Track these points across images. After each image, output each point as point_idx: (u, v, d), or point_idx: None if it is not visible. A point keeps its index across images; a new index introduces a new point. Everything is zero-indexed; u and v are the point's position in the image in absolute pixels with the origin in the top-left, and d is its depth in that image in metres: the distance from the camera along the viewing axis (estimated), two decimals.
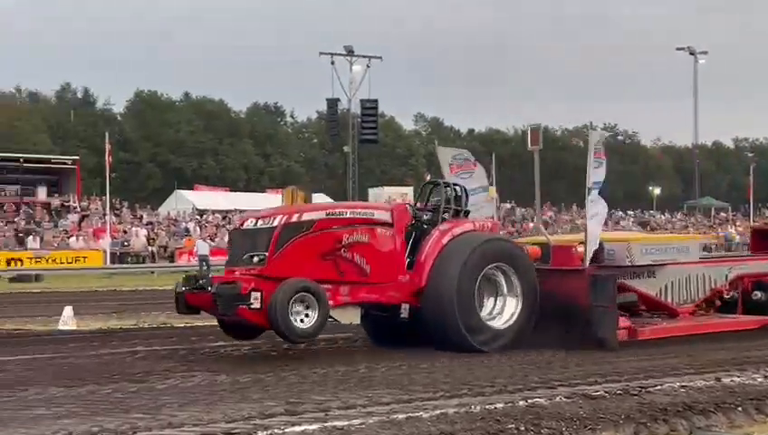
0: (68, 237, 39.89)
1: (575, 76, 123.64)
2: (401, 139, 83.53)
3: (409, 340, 11.40)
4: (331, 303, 10.56)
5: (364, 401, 8.04)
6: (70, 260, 37.81)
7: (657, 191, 73.57)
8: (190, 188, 57.06)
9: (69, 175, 45.46)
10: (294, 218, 10.76)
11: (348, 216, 11.08)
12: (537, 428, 6.91)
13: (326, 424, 7.06)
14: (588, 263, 11.87)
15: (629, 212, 63.17)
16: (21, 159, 44.94)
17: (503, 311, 11.54)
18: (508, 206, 53.81)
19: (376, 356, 10.93)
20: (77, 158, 48.63)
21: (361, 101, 42.32)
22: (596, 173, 12.01)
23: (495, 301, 11.60)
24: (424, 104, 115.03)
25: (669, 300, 12.74)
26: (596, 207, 12.13)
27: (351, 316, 11.52)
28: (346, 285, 10.86)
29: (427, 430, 6.84)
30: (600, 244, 12.11)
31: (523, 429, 6.87)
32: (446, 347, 10.95)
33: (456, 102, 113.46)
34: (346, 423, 7.08)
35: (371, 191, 59.35)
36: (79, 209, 43.89)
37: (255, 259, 10.56)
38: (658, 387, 8.68)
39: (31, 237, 38.82)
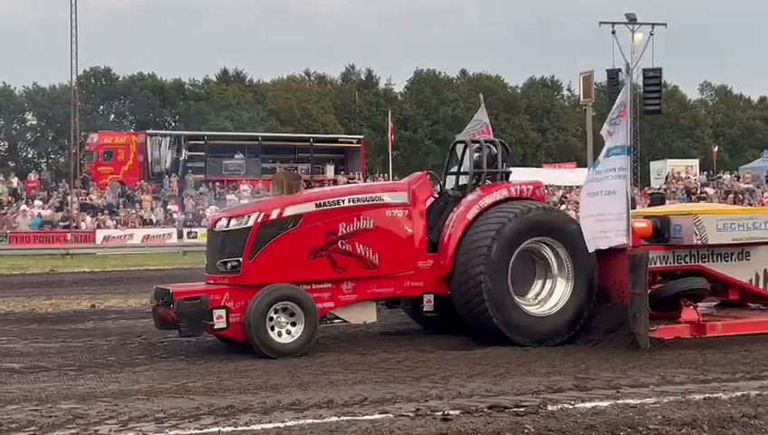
0: None
1: None
2: (685, 109, 79.99)
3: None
4: (331, 304, 9.69)
5: (656, 380, 7.81)
6: None
7: None
8: None
9: (354, 153, 47.64)
10: (274, 215, 9.55)
11: (346, 204, 9.79)
12: None
13: (618, 401, 6.92)
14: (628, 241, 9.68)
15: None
16: (311, 139, 48.09)
17: (550, 295, 10.08)
18: None
19: None
20: (361, 137, 51.07)
21: (644, 70, 40.59)
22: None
23: (544, 283, 10.17)
24: (710, 72, 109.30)
25: None
26: (607, 185, 9.75)
27: (364, 315, 10.00)
28: (349, 282, 9.73)
29: (728, 413, 6.51)
30: (667, 218, 10.56)
31: None
32: (482, 338, 9.76)
33: (746, 69, 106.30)
34: (639, 402, 6.91)
35: (653, 164, 57.39)
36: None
37: (228, 266, 9.58)
38: None
39: None
